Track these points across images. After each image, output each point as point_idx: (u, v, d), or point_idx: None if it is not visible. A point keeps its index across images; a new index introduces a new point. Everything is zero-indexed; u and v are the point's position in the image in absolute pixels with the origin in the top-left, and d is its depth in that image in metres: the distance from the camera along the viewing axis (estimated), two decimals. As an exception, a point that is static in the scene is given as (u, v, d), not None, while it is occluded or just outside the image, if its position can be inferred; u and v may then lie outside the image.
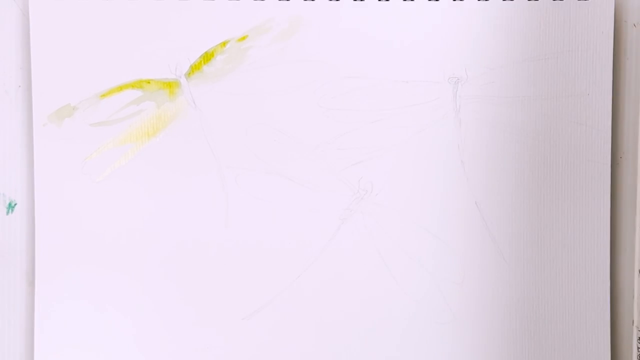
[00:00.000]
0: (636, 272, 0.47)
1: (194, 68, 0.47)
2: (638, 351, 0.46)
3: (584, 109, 0.47)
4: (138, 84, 0.47)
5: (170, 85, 0.47)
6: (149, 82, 0.47)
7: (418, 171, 0.47)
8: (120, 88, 0.47)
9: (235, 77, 0.47)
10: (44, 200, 0.46)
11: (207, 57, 0.47)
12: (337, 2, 0.47)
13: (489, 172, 0.47)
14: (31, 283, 0.47)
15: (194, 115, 0.47)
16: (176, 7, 0.46)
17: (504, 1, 0.47)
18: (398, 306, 0.47)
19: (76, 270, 0.46)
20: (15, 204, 0.47)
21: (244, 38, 0.47)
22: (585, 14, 0.47)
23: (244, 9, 0.47)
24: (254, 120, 0.47)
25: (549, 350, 0.47)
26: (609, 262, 0.47)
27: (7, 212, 0.47)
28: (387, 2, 0.47)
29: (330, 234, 0.47)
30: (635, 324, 0.47)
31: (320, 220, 0.47)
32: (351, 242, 0.47)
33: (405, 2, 0.47)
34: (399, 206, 0.47)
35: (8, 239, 0.47)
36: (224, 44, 0.47)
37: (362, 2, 0.47)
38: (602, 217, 0.47)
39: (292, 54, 0.47)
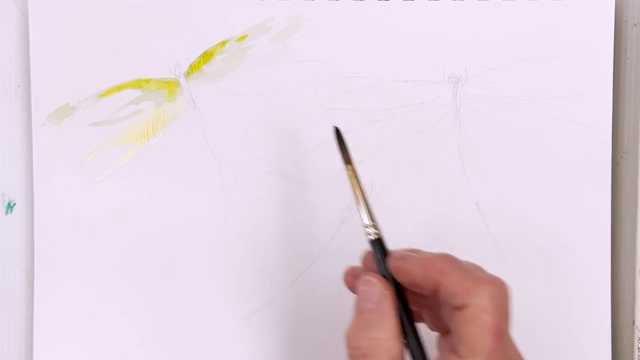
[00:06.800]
0: (637, 272, 0.47)
1: (194, 68, 0.47)
2: (639, 351, 0.46)
3: (584, 109, 0.47)
4: (137, 84, 0.47)
5: (170, 85, 0.47)
6: (148, 82, 0.47)
7: (418, 171, 0.47)
8: (120, 88, 0.46)
9: (234, 77, 0.47)
10: (43, 200, 0.46)
11: (206, 56, 0.47)
12: (337, 1, 0.47)
13: (489, 172, 0.47)
14: (30, 283, 0.47)
15: (194, 115, 0.47)
16: (175, 7, 0.46)
17: (504, 1, 0.47)
18: (398, 306, 0.47)
19: (75, 270, 0.46)
20: (15, 204, 0.47)
21: (243, 37, 0.47)
22: (585, 14, 0.47)
23: (243, 9, 0.47)
24: (253, 120, 0.47)
25: (549, 350, 0.47)
26: (609, 261, 0.47)
27: (7, 212, 0.47)
28: (386, 2, 0.47)
29: (330, 234, 0.47)
30: (635, 324, 0.47)
31: (320, 220, 0.47)
32: (351, 242, 0.47)
33: (405, 2, 0.47)
34: (399, 206, 0.47)
35: (7, 239, 0.47)
36: (223, 43, 0.47)
37: (361, 2, 0.47)
38: (602, 217, 0.47)
39: (292, 53, 0.47)
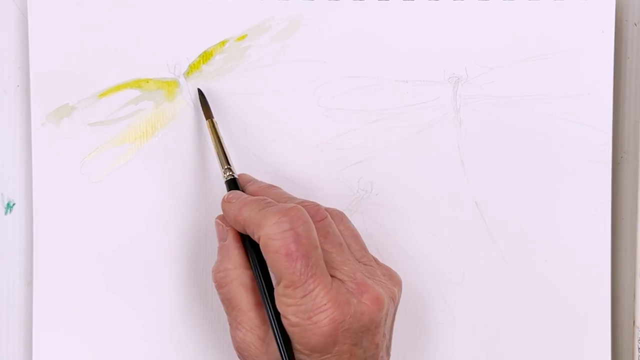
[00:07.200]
0: (637, 272, 0.47)
1: (193, 67, 0.47)
2: (639, 351, 0.46)
3: (584, 109, 0.47)
4: (136, 84, 0.46)
5: (169, 85, 0.47)
6: (147, 82, 0.46)
7: (418, 171, 0.47)
8: (119, 88, 0.46)
9: (234, 77, 0.47)
10: (42, 200, 0.46)
11: (206, 56, 0.47)
12: (337, 1, 0.47)
13: (489, 172, 0.47)
14: (29, 283, 0.47)
15: (193, 115, 0.47)
16: (175, 6, 0.46)
17: (504, 1, 0.47)
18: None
19: (74, 270, 0.46)
20: (14, 204, 0.47)
21: (243, 37, 0.47)
22: (585, 14, 0.47)
23: (243, 8, 0.46)
24: (253, 120, 0.47)
25: (549, 350, 0.47)
26: (609, 261, 0.47)
27: (6, 212, 0.47)
28: (387, 2, 0.47)
29: (330, 234, 0.47)
30: (636, 324, 0.47)
31: (320, 221, 0.47)
32: (351, 242, 0.47)
33: (405, 2, 0.47)
34: (399, 206, 0.47)
35: (6, 239, 0.47)
36: (223, 43, 0.47)
37: (361, 1, 0.46)
38: (602, 217, 0.47)
39: (292, 53, 0.47)
